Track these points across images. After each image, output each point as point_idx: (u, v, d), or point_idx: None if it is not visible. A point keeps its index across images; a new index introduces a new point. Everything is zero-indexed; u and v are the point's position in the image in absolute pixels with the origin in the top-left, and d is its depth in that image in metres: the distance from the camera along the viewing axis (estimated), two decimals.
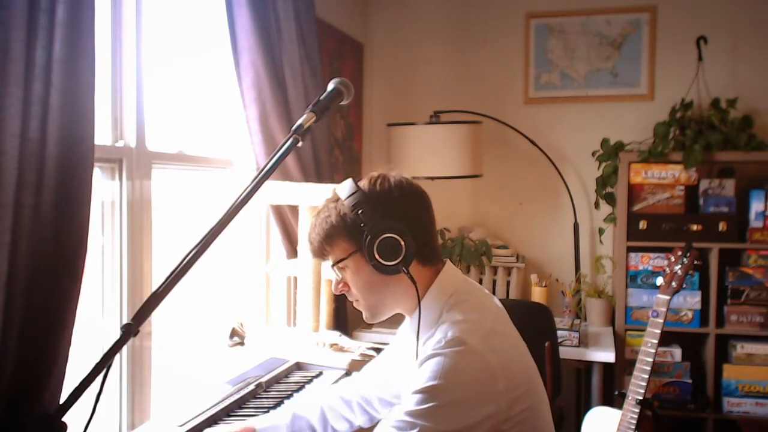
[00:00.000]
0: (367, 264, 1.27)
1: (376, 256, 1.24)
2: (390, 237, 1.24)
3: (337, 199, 1.32)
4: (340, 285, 1.36)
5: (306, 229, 1.37)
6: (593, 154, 3.24)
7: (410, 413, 1.20)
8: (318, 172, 2.62)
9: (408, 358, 1.36)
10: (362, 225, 1.26)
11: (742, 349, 2.97)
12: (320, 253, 1.34)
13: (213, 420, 1.65)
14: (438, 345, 1.22)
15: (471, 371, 1.20)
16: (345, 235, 1.29)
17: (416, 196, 1.34)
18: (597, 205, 3.31)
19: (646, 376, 2.25)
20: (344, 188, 1.31)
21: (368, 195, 1.29)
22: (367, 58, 3.67)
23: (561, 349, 2.75)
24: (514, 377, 1.24)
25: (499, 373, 1.22)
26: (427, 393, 1.19)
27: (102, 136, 1.79)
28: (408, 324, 1.41)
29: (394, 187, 1.31)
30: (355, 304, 1.38)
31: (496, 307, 1.38)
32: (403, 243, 1.25)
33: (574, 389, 3.37)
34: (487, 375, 1.21)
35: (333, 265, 1.34)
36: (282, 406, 1.78)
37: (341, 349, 2.21)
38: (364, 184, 1.31)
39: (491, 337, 1.25)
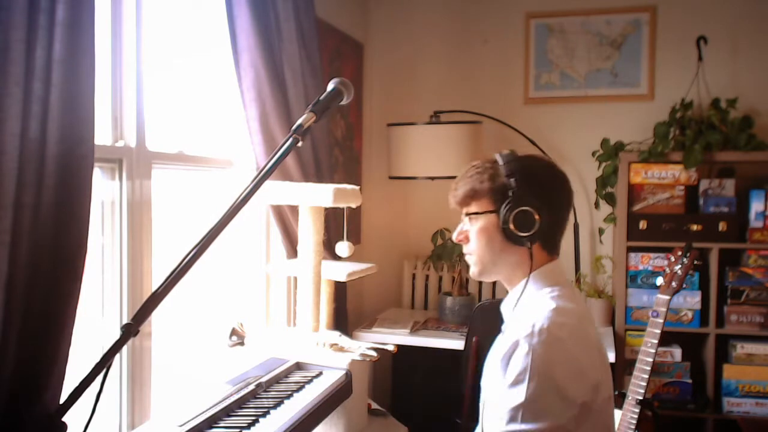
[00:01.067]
0: (497, 226, 1.37)
1: (511, 222, 1.34)
2: (529, 211, 1.34)
3: (494, 161, 1.41)
4: (462, 235, 1.45)
5: (458, 177, 1.47)
6: (593, 154, 3.24)
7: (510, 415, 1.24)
8: (318, 172, 2.62)
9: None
10: (510, 192, 1.35)
11: (742, 349, 2.97)
12: (462, 202, 1.44)
13: (213, 420, 1.64)
14: (527, 333, 1.26)
15: (561, 361, 1.26)
16: (490, 194, 1.39)
17: (562, 184, 1.44)
18: (597, 205, 3.31)
19: (646, 376, 2.25)
20: (504, 155, 1.40)
21: (523, 167, 1.38)
22: (367, 58, 3.67)
23: None
24: (596, 368, 1.30)
25: (586, 362, 1.29)
26: (521, 390, 1.24)
27: (102, 136, 1.79)
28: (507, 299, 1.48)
29: (547, 168, 1.44)
30: (467, 257, 1.46)
31: (586, 308, 1.47)
32: (538, 219, 1.34)
33: None
34: (577, 364, 1.27)
35: (467, 215, 1.43)
36: (282, 406, 1.78)
37: (341, 349, 2.21)
38: (521, 161, 1.40)
39: (578, 330, 1.31)
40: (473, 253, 1.44)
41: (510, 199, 1.35)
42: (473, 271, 1.46)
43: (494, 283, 3.43)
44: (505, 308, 1.48)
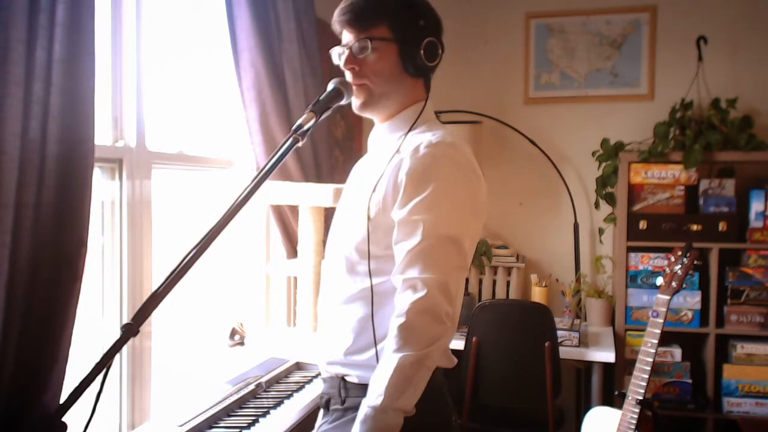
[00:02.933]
0: (396, 56, 1.34)
1: (423, 51, 1.34)
2: (437, 43, 1.36)
3: None
4: (356, 63, 1.35)
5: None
6: (593, 154, 3.24)
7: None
8: (318, 172, 2.62)
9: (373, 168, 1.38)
10: (421, 21, 1.35)
11: (742, 349, 2.97)
12: (364, 25, 1.34)
13: (213, 420, 1.65)
14: (424, 143, 1.29)
15: (459, 159, 1.31)
16: (392, 19, 1.34)
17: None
18: (597, 205, 3.31)
19: (646, 376, 2.25)
20: None
21: (430, 8, 1.39)
22: None
23: (561, 349, 2.75)
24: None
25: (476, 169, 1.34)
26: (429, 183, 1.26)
27: (102, 136, 1.79)
28: (381, 134, 1.43)
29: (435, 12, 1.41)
30: (356, 89, 1.37)
31: None
32: (440, 53, 1.37)
33: (574, 389, 3.37)
34: (471, 164, 1.33)
35: (371, 39, 1.34)
36: (282, 406, 1.78)
37: None
38: None
39: (465, 145, 1.36)
40: (367, 82, 1.36)
41: (420, 27, 1.34)
42: (358, 104, 1.38)
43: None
44: (383, 138, 1.43)
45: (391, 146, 1.37)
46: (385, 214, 1.29)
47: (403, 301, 1.21)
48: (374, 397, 1.18)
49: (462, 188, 1.29)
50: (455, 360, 1.34)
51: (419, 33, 1.35)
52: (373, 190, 1.31)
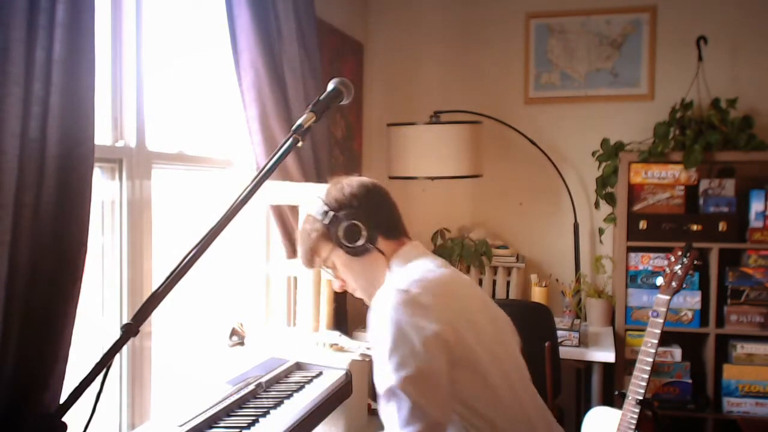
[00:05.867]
0: (345, 254, 1.46)
1: (344, 242, 1.44)
2: (351, 224, 1.44)
3: (312, 219, 1.50)
4: (338, 282, 1.55)
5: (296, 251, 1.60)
6: (593, 154, 3.24)
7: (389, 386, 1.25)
8: (318, 172, 2.62)
9: None
10: (328, 226, 1.46)
11: (742, 349, 2.97)
12: (310, 262, 1.54)
13: (213, 420, 1.64)
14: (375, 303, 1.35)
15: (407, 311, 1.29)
16: (323, 239, 1.48)
17: (366, 189, 1.52)
18: (597, 205, 3.31)
19: (646, 376, 2.25)
20: (314, 207, 1.50)
21: (330, 203, 1.47)
22: (367, 58, 3.67)
23: (561, 349, 2.75)
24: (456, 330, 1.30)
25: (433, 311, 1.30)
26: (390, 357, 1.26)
27: (102, 136, 1.79)
28: None
29: (345, 187, 1.51)
30: (356, 295, 1.54)
31: (454, 281, 1.46)
32: (361, 225, 1.44)
33: (574, 389, 3.37)
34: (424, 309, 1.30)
35: (323, 266, 1.53)
36: (282, 406, 1.78)
37: (341, 349, 2.21)
38: (324, 194, 1.50)
39: (426, 285, 1.35)
40: (356, 287, 1.52)
41: (334, 230, 1.45)
42: (367, 301, 1.48)
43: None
44: None
45: None
46: None
47: None
48: None
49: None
50: None
51: (336, 231, 1.44)
52: None
